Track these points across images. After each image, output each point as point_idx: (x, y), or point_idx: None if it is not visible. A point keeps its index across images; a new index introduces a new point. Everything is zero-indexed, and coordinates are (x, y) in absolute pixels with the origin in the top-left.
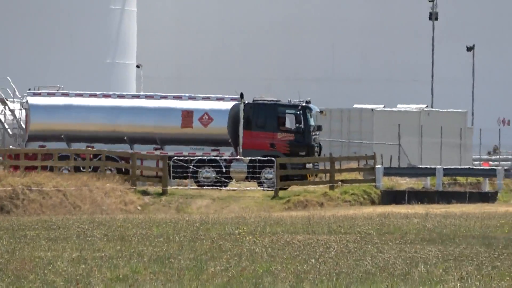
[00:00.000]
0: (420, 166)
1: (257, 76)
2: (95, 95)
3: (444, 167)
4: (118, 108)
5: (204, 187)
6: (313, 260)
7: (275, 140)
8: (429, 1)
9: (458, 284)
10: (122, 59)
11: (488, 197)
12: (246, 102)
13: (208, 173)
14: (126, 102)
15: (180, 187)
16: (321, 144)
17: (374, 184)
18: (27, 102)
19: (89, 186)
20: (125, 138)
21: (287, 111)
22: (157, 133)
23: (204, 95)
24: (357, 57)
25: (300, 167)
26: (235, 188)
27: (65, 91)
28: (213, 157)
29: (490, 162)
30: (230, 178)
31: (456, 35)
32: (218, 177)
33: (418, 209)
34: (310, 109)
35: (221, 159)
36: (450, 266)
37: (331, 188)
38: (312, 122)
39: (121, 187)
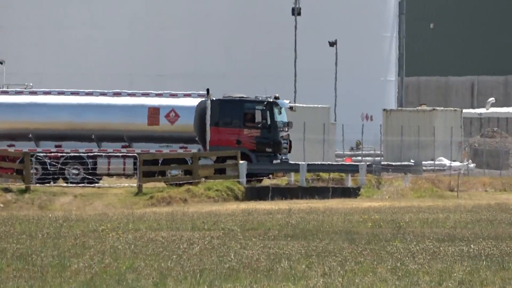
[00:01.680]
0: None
1: (120, 71)
2: (63, 93)
3: (308, 163)
4: (85, 105)
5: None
6: (176, 257)
7: (242, 136)
8: None
9: (321, 280)
10: None
11: (351, 193)
12: (213, 98)
13: (176, 171)
14: (93, 99)
15: (46, 185)
16: (291, 141)
17: (238, 180)
18: None
19: None
20: (93, 136)
21: (252, 107)
22: (125, 130)
23: (171, 92)
24: (220, 53)
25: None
26: (100, 185)
27: (33, 90)
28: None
29: (353, 158)
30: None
31: (318, 30)
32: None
33: (282, 205)
34: (278, 105)
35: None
36: (313, 261)
37: (195, 184)
38: (279, 118)
39: None
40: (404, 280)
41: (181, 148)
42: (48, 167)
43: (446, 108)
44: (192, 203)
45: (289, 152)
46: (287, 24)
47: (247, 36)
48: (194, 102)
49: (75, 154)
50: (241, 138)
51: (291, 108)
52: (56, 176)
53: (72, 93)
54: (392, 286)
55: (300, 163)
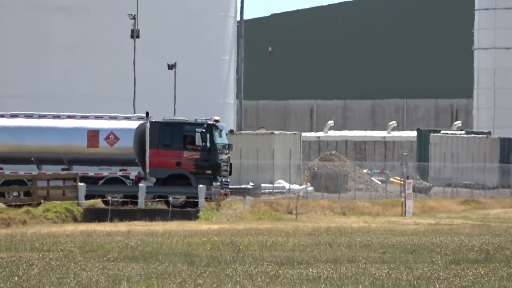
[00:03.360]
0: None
1: None
2: (3, 116)
3: (148, 185)
4: (25, 128)
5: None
6: (16, 278)
7: (182, 158)
8: (131, 19)
9: None
10: None
11: (191, 215)
12: (153, 120)
13: (113, 194)
14: (33, 122)
15: None
16: (232, 163)
17: (77, 201)
18: None
19: None
20: (32, 158)
21: (192, 129)
22: (64, 153)
23: (111, 115)
24: (59, 74)
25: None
26: None
27: None
28: (119, 176)
29: None
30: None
31: (157, 53)
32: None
33: (121, 227)
34: (217, 127)
35: (127, 180)
36: (153, 283)
37: (34, 205)
38: (219, 140)
39: None
40: None
41: (120, 170)
42: None
43: (285, 132)
44: (31, 225)
45: (230, 174)
46: (126, 46)
47: (87, 57)
48: (133, 124)
49: (15, 177)
50: (181, 160)
51: (231, 131)
52: None
53: (12, 116)
54: None
55: (140, 185)
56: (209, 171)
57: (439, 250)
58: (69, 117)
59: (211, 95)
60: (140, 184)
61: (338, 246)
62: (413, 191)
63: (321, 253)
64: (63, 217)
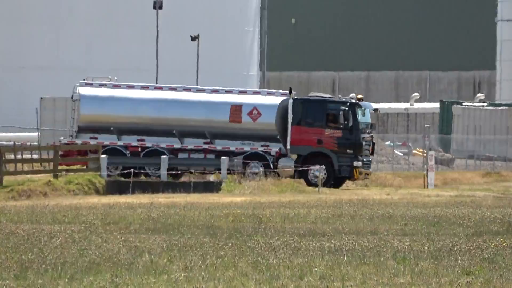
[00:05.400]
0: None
1: None
2: (146, 87)
3: (170, 156)
4: (168, 101)
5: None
6: (37, 250)
7: (323, 136)
8: None
9: (183, 274)
10: None
11: (213, 187)
12: (295, 97)
13: (255, 168)
14: (176, 95)
15: None
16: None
17: (99, 173)
18: (78, 92)
19: None
20: (174, 131)
21: (335, 107)
22: (206, 126)
23: (254, 90)
24: (82, 47)
25: (348, 164)
26: None
27: (116, 83)
28: (260, 152)
29: None
30: (278, 175)
31: (180, 25)
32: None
33: (143, 199)
34: (360, 106)
35: (268, 155)
36: (175, 255)
37: (55, 177)
38: (362, 119)
39: None
40: (265, 275)
41: (262, 146)
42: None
43: None
44: (52, 197)
45: (372, 154)
46: (149, 18)
47: (109, 30)
48: (276, 100)
49: (157, 148)
50: (322, 138)
51: (375, 109)
52: (136, 171)
53: (156, 88)
54: (253, 280)
55: (162, 156)
56: (350, 150)
57: (461, 222)
58: (213, 91)
59: (234, 67)
60: (163, 157)
61: (360, 218)
62: (435, 163)
63: (343, 225)
64: (85, 189)
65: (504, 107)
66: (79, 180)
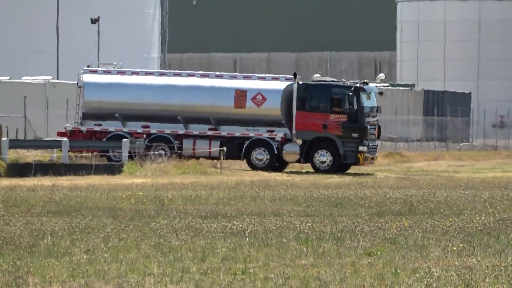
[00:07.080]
0: (46, 139)
1: None
2: (151, 74)
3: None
4: (172, 86)
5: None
6: None
7: (328, 121)
8: None
9: (85, 256)
10: None
11: (115, 169)
12: (300, 82)
13: (260, 155)
14: (180, 80)
15: None
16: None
17: (0, 156)
18: (82, 79)
19: None
20: (179, 117)
21: (339, 92)
22: (211, 112)
23: (259, 75)
24: None
25: (353, 149)
26: None
27: (121, 69)
28: (265, 138)
29: None
30: (283, 161)
31: (80, 7)
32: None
33: (45, 181)
34: (365, 90)
35: (273, 141)
36: (77, 238)
37: None
38: (367, 103)
39: None
40: (168, 256)
41: (267, 131)
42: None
43: None
44: None
45: (378, 138)
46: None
47: (8, 12)
48: (281, 85)
49: (162, 134)
50: (327, 123)
51: (381, 93)
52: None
53: (160, 74)
54: (156, 262)
55: (62, 139)
56: (355, 135)
57: (363, 203)
58: (217, 76)
59: (136, 49)
60: (62, 139)
61: (262, 200)
62: None
63: (245, 206)
64: None
65: (406, 87)
66: None
